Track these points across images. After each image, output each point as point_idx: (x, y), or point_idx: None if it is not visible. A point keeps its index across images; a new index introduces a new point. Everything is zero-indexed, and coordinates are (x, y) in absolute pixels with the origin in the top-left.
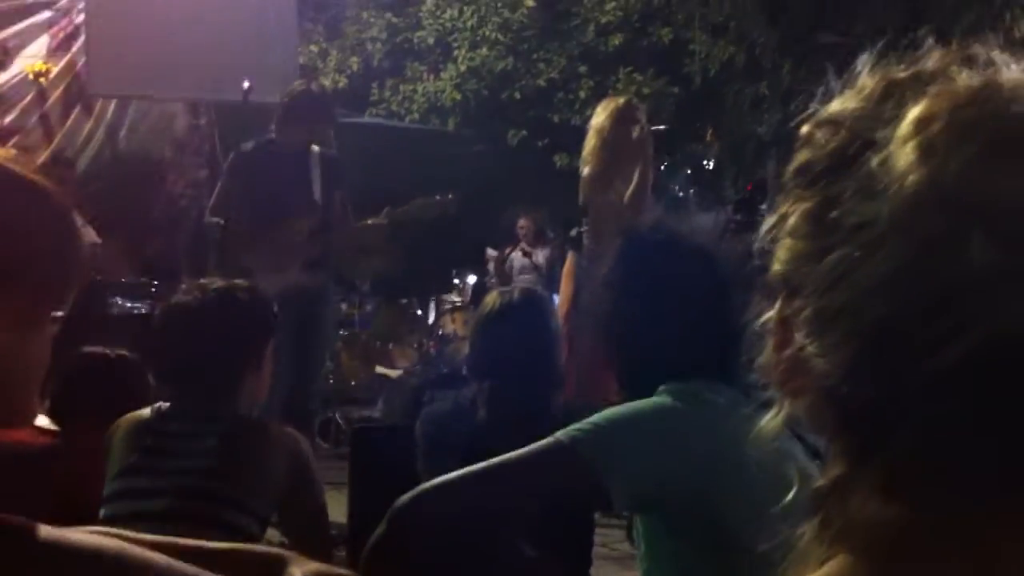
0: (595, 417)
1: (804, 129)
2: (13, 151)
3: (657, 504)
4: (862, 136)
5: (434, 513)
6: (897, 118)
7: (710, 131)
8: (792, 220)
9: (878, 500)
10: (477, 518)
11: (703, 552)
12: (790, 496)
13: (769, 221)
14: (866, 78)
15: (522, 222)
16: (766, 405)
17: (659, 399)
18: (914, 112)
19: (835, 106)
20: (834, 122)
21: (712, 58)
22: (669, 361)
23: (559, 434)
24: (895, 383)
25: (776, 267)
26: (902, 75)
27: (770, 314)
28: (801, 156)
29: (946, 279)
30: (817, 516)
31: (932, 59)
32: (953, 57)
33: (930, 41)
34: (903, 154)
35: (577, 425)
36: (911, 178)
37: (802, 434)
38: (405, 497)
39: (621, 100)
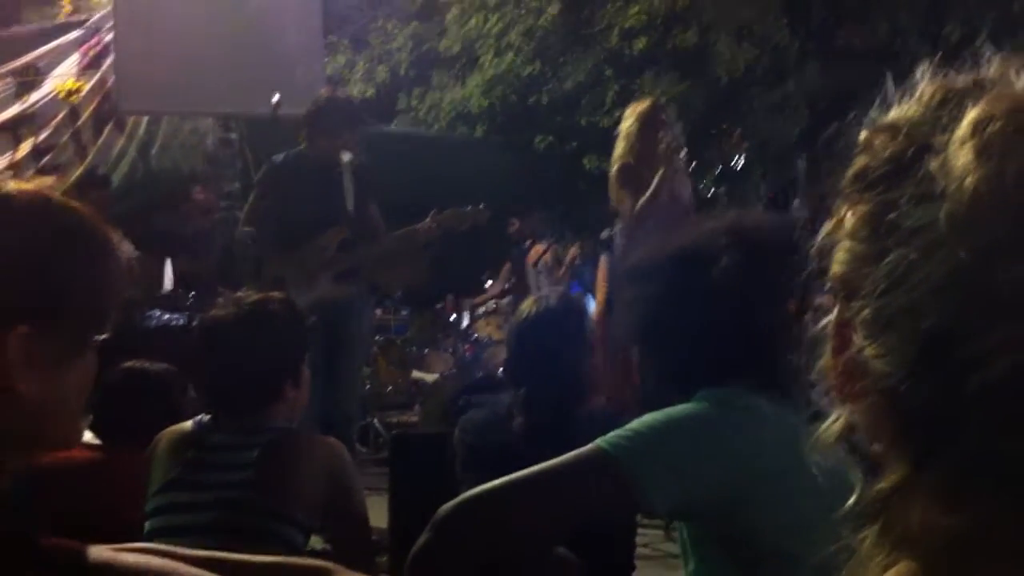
0: (634, 424)
1: (862, 136)
2: (50, 179)
3: (697, 511)
4: (920, 141)
5: (477, 521)
6: (955, 122)
7: (737, 132)
8: (850, 223)
9: (939, 506)
10: (520, 525)
11: (745, 560)
12: (834, 504)
13: (826, 226)
14: (924, 86)
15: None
16: (811, 410)
17: (696, 405)
18: (972, 115)
19: (893, 114)
20: (892, 128)
21: (736, 60)
22: (706, 366)
23: (599, 441)
24: (954, 387)
25: (835, 269)
26: (960, 83)
27: (829, 318)
28: (859, 162)
29: (1003, 283)
30: (877, 522)
31: (991, 67)
32: (1012, 64)
33: (989, 52)
34: (961, 155)
35: (617, 432)
36: (968, 180)
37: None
38: (448, 505)
39: (648, 102)
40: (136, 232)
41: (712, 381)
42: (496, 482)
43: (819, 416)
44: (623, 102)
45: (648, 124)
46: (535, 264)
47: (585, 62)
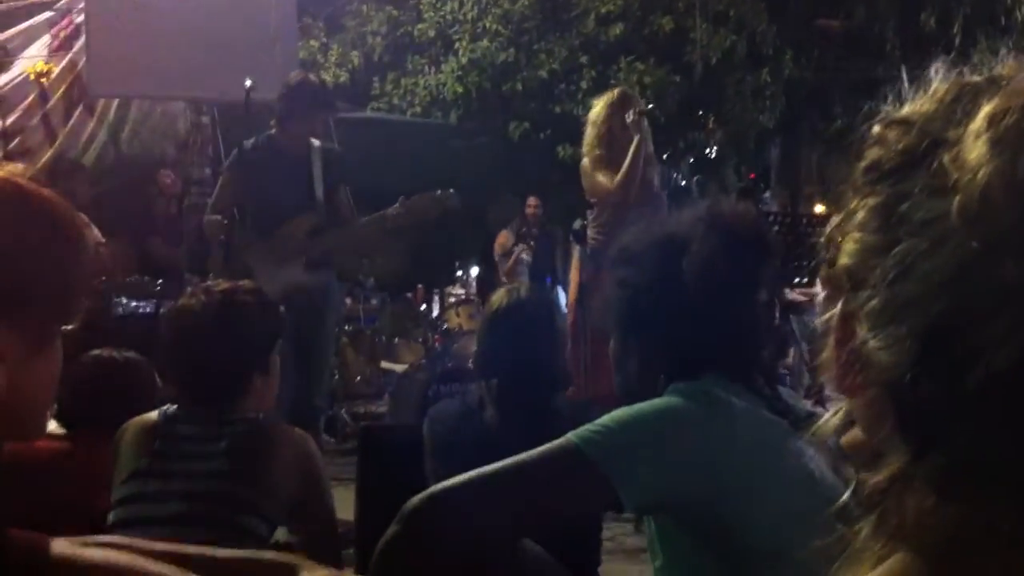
0: (605, 418)
1: (874, 129)
2: (21, 166)
3: (668, 507)
4: (933, 135)
5: (446, 514)
6: (968, 117)
7: (711, 119)
8: (860, 215)
9: (936, 498)
10: (489, 520)
11: (716, 554)
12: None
13: (835, 218)
14: (938, 83)
15: (531, 201)
16: (781, 404)
17: (668, 399)
18: (987, 108)
19: (906, 108)
20: (905, 122)
21: (713, 47)
22: (681, 357)
23: (570, 435)
24: (956, 379)
25: (843, 260)
26: (975, 79)
27: (833, 310)
28: (871, 154)
29: (1013, 274)
30: (874, 513)
31: (1006, 65)
32: None
33: (1004, 53)
34: (974, 148)
35: (588, 427)
36: (982, 171)
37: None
38: (416, 499)
39: (616, 91)
40: (106, 216)
41: (686, 373)
42: (466, 475)
43: (797, 413)
44: (598, 90)
45: (616, 111)
46: (501, 252)
47: (560, 50)
